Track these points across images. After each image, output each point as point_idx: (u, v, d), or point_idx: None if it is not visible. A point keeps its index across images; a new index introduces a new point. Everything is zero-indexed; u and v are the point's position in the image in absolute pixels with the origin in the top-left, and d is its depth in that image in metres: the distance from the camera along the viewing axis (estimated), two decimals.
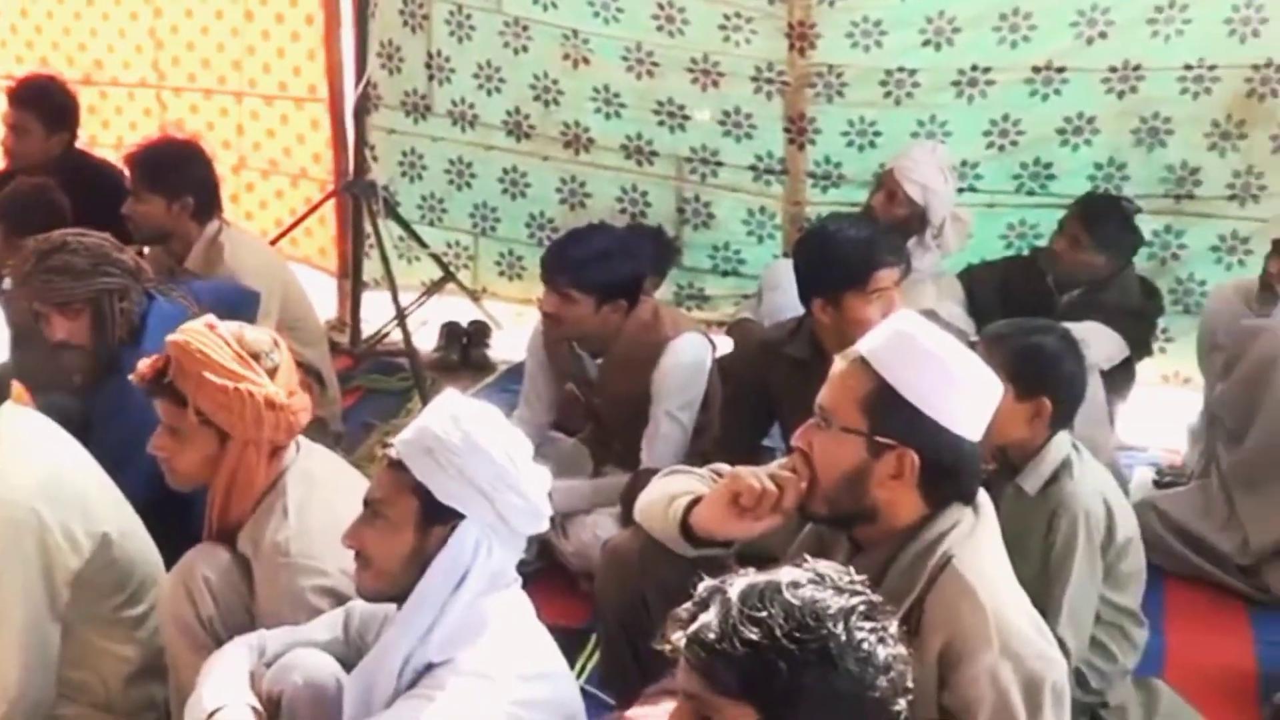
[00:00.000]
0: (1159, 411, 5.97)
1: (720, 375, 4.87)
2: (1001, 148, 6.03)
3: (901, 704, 2.10)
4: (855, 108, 6.14)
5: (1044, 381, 3.70)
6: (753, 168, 6.40)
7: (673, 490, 3.20)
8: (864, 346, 2.86)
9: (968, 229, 5.76)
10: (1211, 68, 5.73)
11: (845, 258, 4.28)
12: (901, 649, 2.13)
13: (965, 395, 2.83)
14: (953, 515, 2.85)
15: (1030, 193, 6.10)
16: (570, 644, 3.76)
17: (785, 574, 2.14)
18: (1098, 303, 5.34)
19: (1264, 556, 4.82)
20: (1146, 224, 5.70)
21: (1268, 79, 5.70)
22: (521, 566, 3.11)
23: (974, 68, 5.93)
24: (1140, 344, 5.49)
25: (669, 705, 2.21)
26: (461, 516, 2.94)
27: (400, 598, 2.98)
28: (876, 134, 6.14)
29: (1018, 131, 6.00)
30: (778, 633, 2.04)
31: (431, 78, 6.78)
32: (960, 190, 5.91)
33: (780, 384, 4.46)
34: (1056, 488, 3.70)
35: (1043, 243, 5.79)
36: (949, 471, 2.83)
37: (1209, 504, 5.00)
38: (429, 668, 2.92)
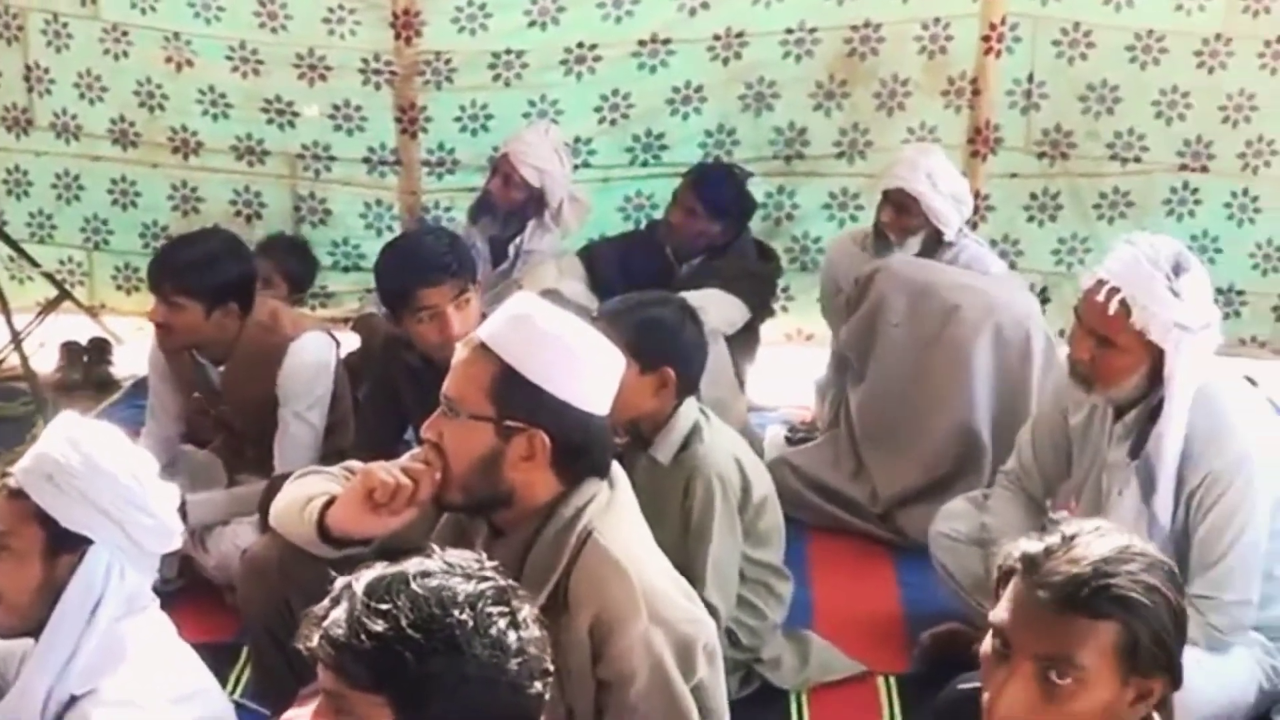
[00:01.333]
0: (786, 369, 6.12)
1: (348, 372, 4.79)
2: (613, 122, 6.11)
3: (538, 686, 2.09)
4: (465, 92, 6.13)
5: (666, 353, 3.73)
6: (366, 160, 6.34)
7: (307, 492, 3.12)
8: (483, 332, 2.84)
9: (586, 208, 5.80)
10: (812, 30, 5.92)
11: (384, 281, 4.35)
12: (536, 631, 2.11)
13: (588, 372, 2.83)
14: (588, 490, 2.85)
15: (644, 164, 6.20)
16: (221, 659, 3.68)
17: (414, 565, 2.10)
18: (717, 270, 5.42)
19: (893, 504, 4.99)
20: (759, 186, 5.84)
21: (867, 38, 5.92)
22: (163, 585, 3.00)
23: (580, 45, 5.98)
24: (762, 306, 5.61)
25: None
26: (90, 542, 2.81)
27: (36, 632, 2.84)
28: (488, 117, 6.14)
29: (628, 105, 6.09)
30: (403, 623, 2.00)
31: (31, 90, 6.48)
32: (575, 167, 5.94)
33: (405, 377, 4.43)
34: (688, 454, 3.74)
35: (660, 213, 5.86)
36: (580, 448, 2.83)
37: (839, 456, 5.15)
38: (72, 701, 2.79)
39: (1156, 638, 2.15)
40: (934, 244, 5.19)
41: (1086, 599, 2.12)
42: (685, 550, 3.62)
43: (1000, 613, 2.21)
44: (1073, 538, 2.20)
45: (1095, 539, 2.19)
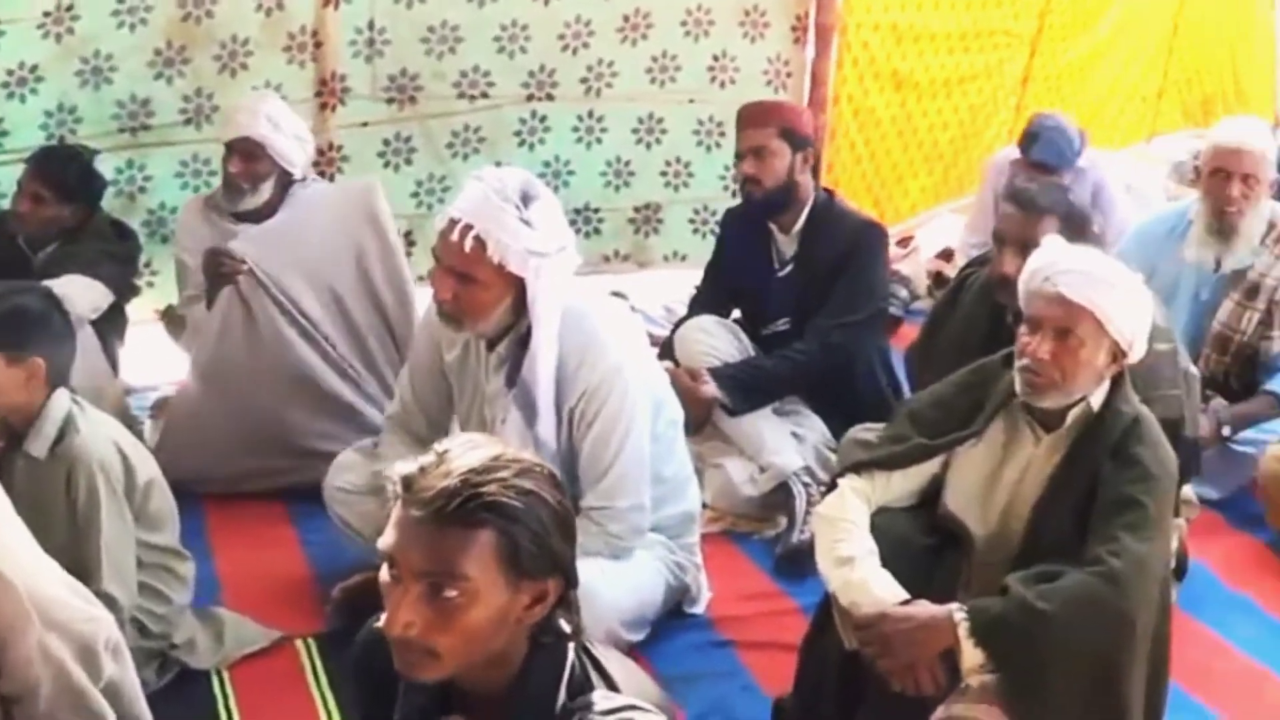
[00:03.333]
0: (160, 346, 5.93)
1: None
2: None
3: None
4: None
5: (32, 342, 3.56)
6: None
7: None
8: None
9: None
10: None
11: None
12: None
13: None
14: None
15: None
16: None
17: None
18: (74, 254, 5.19)
19: None
20: (108, 162, 5.62)
21: (200, 1, 5.75)
22: None
23: None
24: (126, 286, 5.41)
25: None
26: None
27: None
28: None
29: None
30: None
31: None
32: None
33: None
34: (65, 446, 3.58)
35: (8, 203, 5.55)
36: None
37: None
38: None
39: (537, 539, 2.19)
40: (284, 187, 5.13)
41: (458, 509, 2.14)
42: (76, 544, 3.49)
43: (386, 538, 2.21)
44: (445, 453, 2.21)
45: (466, 451, 2.22)
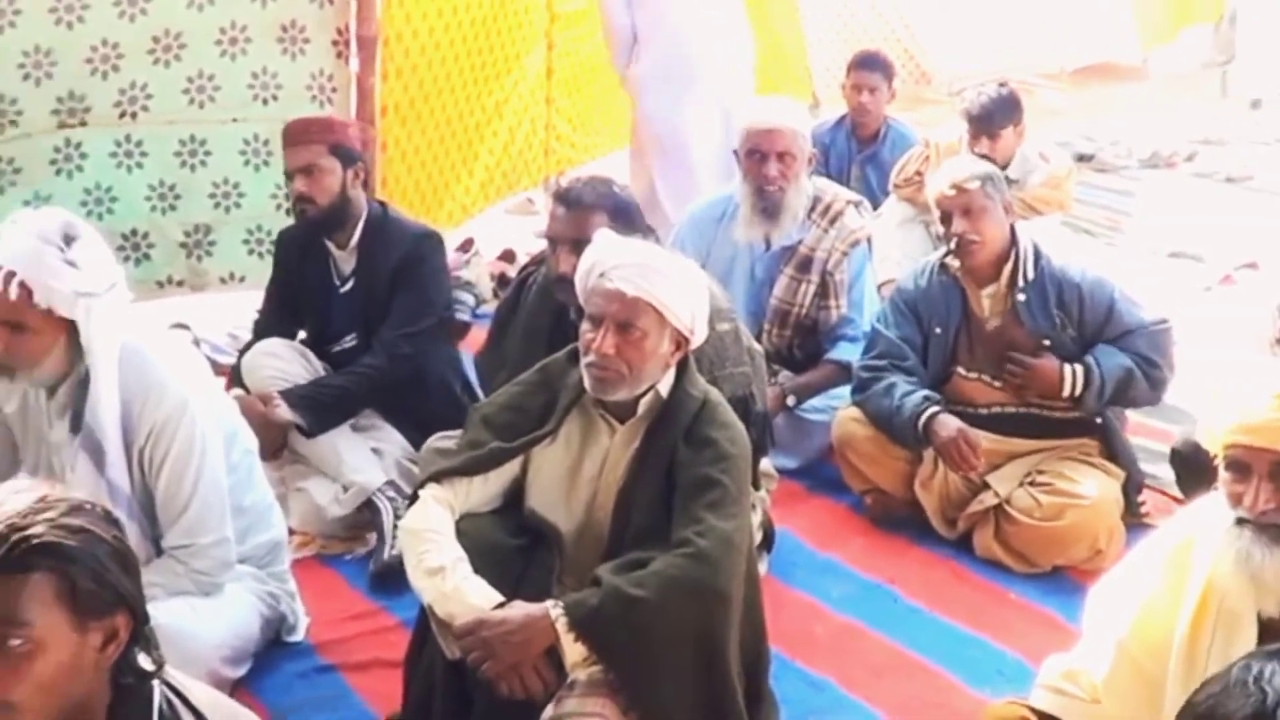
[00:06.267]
0: None
1: None
2: None
3: None
4: None
5: None
6: None
7: None
8: None
9: None
10: None
11: None
12: None
13: None
14: None
15: None
16: None
17: None
18: None
19: None
20: None
21: None
22: None
23: None
24: None
25: None
26: None
27: None
28: None
29: None
30: None
31: None
32: None
33: None
34: None
35: None
36: None
37: None
38: None
39: (95, 576, 2.15)
40: None
41: (7, 555, 2.10)
42: None
43: None
44: None
45: (9, 496, 2.17)
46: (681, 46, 7.09)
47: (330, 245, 5.12)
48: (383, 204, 5.28)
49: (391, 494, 4.83)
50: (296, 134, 5.06)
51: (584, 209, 4.20)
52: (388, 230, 5.10)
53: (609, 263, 3.44)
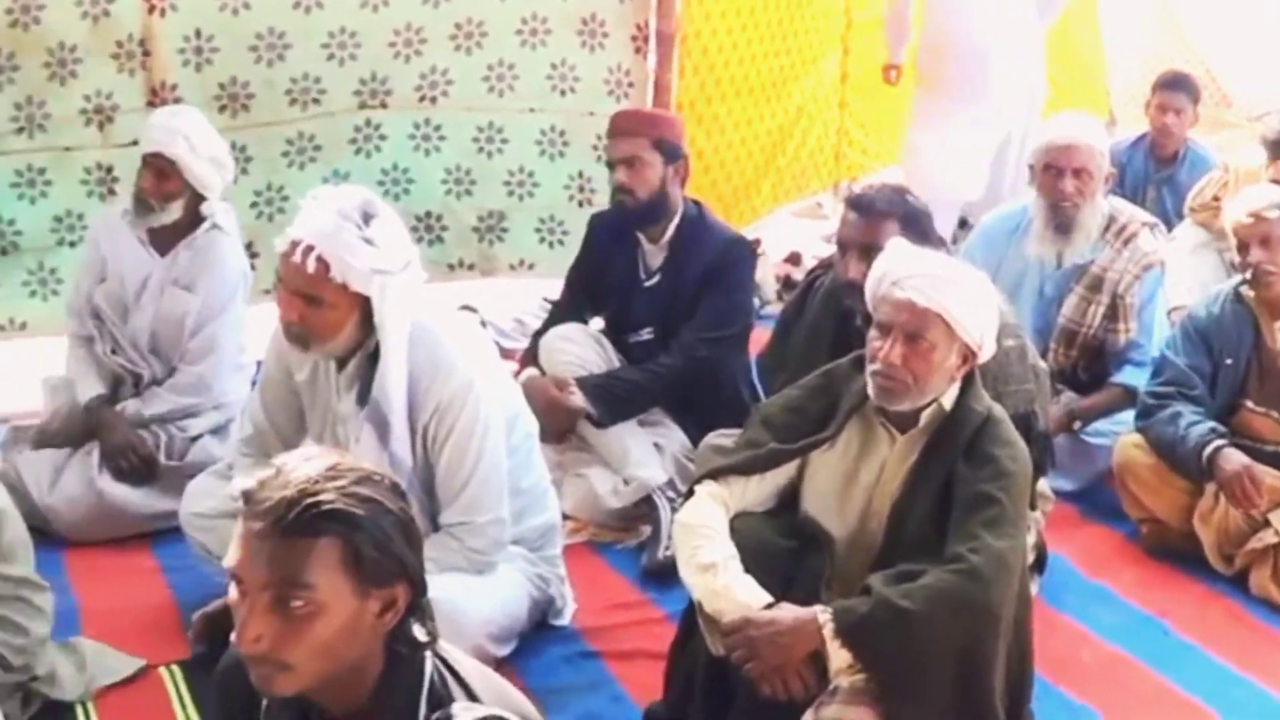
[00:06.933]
0: (4, 364, 5.91)
1: None
2: None
3: None
4: None
5: None
6: None
7: None
8: None
9: None
10: None
11: None
12: None
13: None
14: None
15: None
16: None
17: None
18: None
19: None
20: None
21: (28, 7, 5.62)
22: None
23: None
24: None
25: None
26: None
27: None
28: None
29: None
30: None
31: None
32: None
33: None
34: None
35: None
36: None
37: None
38: None
39: (379, 545, 2.20)
40: (195, 208, 5.02)
41: (297, 519, 2.15)
42: None
43: (230, 555, 2.21)
44: (282, 466, 2.23)
45: (303, 462, 2.23)
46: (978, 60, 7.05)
47: (641, 238, 5.17)
48: (698, 204, 5.28)
49: (671, 493, 4.85)
50: (623, 125, 5.13)
51: (876, 215, 4.18)
52: (701, 231, 5.13)
53: (901, 272, 3.42)
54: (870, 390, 3.44)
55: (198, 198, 5.02)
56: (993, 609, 3.23)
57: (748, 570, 3.35)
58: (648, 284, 5.19)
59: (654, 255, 5.18)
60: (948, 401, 3.47)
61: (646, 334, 5.19)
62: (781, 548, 3.50)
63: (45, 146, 5.79)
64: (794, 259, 7.88)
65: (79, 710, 3.90)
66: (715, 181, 7.34)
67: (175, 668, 4.08)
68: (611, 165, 5.09)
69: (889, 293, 3.41)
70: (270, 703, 2.36)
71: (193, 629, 4.08)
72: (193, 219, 5.05)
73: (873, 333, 3.45)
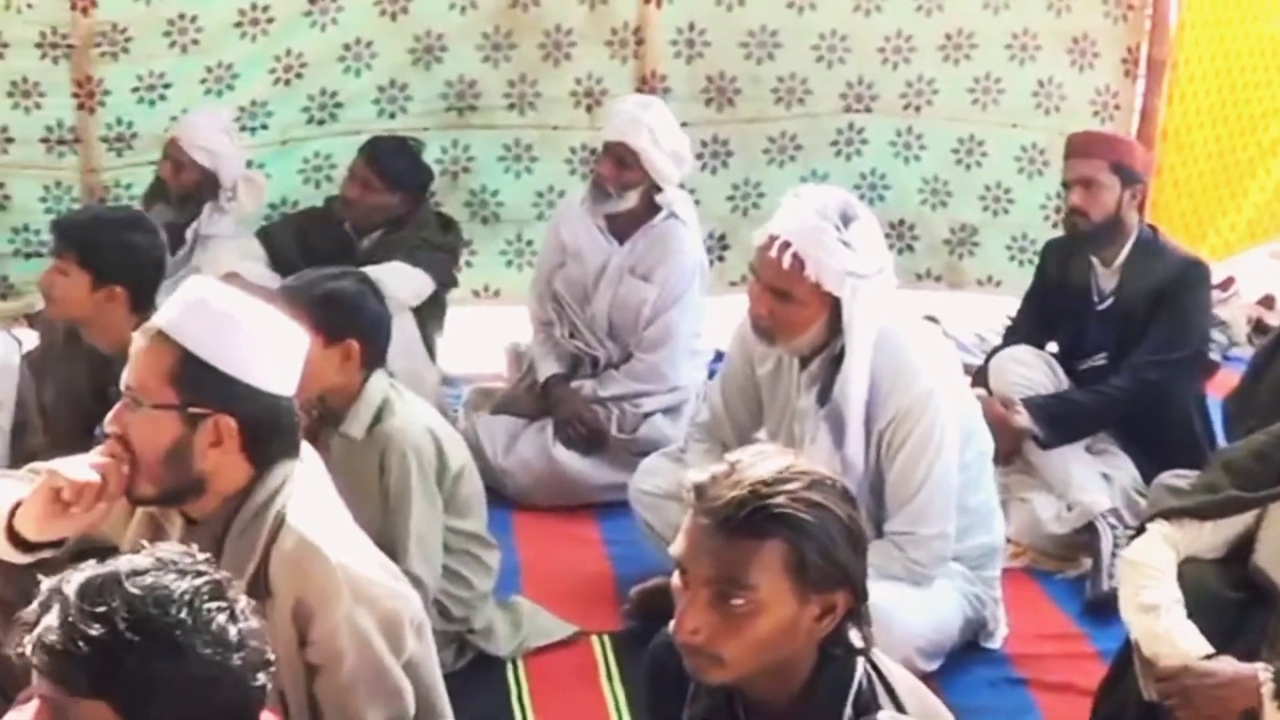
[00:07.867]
0: (474, 331, 6.09)
1: (32, 370, 4.52)
2: (287, 82, 5.93)
3: (261, 678, 2.05)
4: (142, 62, 5.81)
5: (348, 324, 3.66)
6: (44, 140, 5.94)
7: None
8: (161, 319, 2.73)
9: (261, 189, 5.71)
10: None
11: None
12: (254, 622, 2.07)
13: (270, 352, 2.73)
14: (280, 473, 2.76)
15: (320, 123, 6.04)
16: None
17: (125, 563, 2.03)
18: (397, 242, 5.35)
19: None
20: (435, 140, 5.85)
21: None
22: None
23: (254, 6, 5.76)
24: (447, 277, 5.55)
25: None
26: None
27: None
28: (166, 86, 5.85)
29: (301, 64, 5.91)
30: (120, 626, 1.94)
31: None
32: (253, 130, 5.85)
33: (90, 371, 4.23)
34: (381, 429, 3.68)
35: (339, 172, 5.75)
36: (269, 431, 2.73)
37: None
38: None
39: (825, 552, 2.18)
40: (650, 197, 5.14)
41: (746, 519, 2.15)
42: (386, 525, 3.58)
43: (677, 544, 2.23)
44: (736, 463, 2.22)
45: (757, 461, 2.22)
46: None
47: (1095, 261, 5.02)
48: (1153, 228, 5.13)
49: (1114, 521, 4.66)
50: (1080, 146, 4.99)
51: None
52: (1155, 253, 4.94)
53: None
54: None
55: (654, 187, 5.11)
56: None
57: (1190, 617, 3.18)
58: (1100, 307, 5.01)
59: (1107, 279, 5.00)
60: None
61: (1099, 359, 5.02)
62: (1228, 599, 3.31)
63: (534, 124, 6.04)
64: (1267, 302, 7.46)
65: (509, 667, 4.02)
66: (1186, 211, 7.05)
67: (606, 638, 4.17)
68: (1067, 186, 4.96)
69: None
70: (698, 686, 2.36)
71: (629, 603, 4.17)
72: (649, 207, 5.14)
73: None
